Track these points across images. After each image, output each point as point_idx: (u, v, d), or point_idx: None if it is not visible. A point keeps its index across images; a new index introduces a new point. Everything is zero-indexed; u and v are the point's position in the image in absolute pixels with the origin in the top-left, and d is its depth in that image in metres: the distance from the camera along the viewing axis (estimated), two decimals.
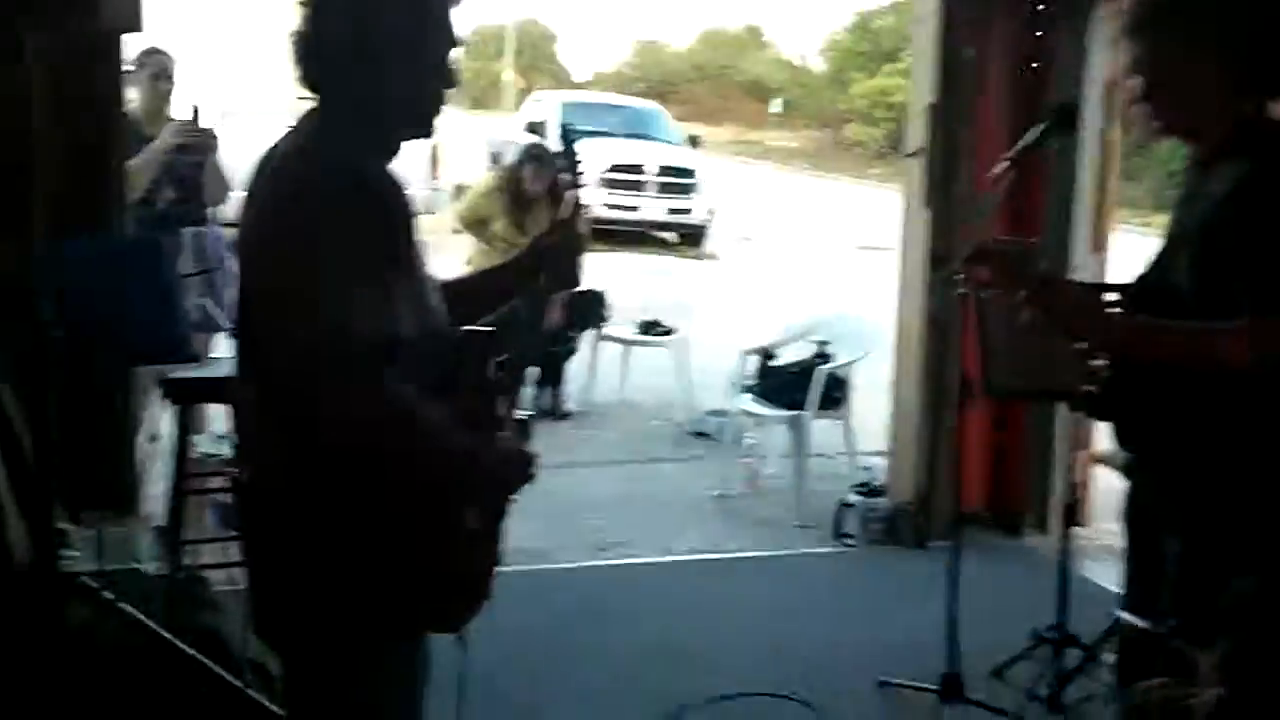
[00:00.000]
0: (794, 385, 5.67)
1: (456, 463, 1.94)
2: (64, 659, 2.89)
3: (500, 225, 6.97)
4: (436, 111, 2.01)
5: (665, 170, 15.38)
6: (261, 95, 11.87)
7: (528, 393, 6.85)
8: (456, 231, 7.63)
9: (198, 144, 4.90)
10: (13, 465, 3.28)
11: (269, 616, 2.04)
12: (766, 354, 5.92)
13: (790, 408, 5.61)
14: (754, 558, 5.01)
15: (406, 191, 1.99)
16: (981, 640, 3.67)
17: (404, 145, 2.02)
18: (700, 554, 5.01)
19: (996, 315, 3.60)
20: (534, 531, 5.07)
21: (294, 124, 1.99)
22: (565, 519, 5.28)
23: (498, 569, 2.07)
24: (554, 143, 14.29)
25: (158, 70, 5.04)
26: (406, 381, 1.87)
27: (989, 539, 5.03)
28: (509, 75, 45.99)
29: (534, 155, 7.19)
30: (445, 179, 13.64)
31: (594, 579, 4.69)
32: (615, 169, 15.02)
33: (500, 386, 2.06)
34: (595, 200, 14.21)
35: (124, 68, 4.36)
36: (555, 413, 7.00)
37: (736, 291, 11.99)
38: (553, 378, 7.06)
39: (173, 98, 5.12)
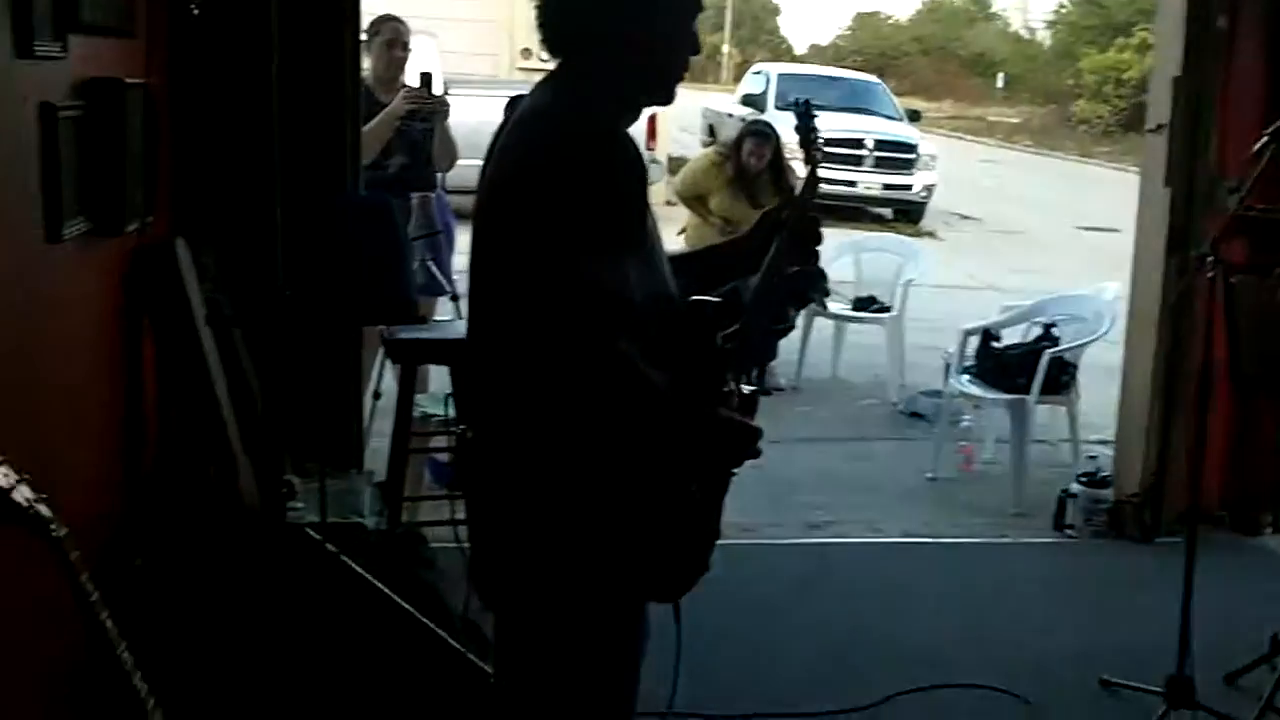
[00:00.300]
0: (1017, 368, 5.47)
1: (682, 432, 1.92)
2: (289, 608, 3.00)
3: (718, 201, 6.93)
4: (679, 78, 2.00)
5: (883, 144, 15.06)
6: (479, 63, 12.15)
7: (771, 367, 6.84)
8: (670, 204, 7.63)
9: (429, 110, 4.99)
10: (244, 414, 3.43)
11: (488, 576, 2.06)
12: (988, 334, 5.72)
13: (1012, 391, 5.41)
14: (969, 544, 4.85)
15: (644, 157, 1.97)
16: (1212, 644, 3.47)
17: (642, 111, 2.02)
18: (913, 538, 4.88)
19: (1248, 299, 3.38)
20: (745, 506, 5.02)
21: (537, 87, 1.99)
22: (777, 495, 5.22)
23: (716, 541, 2.04)
24: (771, 115, 14.29)
25: (392, 37, 5.16)
26: (636, 347, 1.85)
27: (1222, 537, 4.75)
28: (726, 48, 45.90)
29: (755, 130, 7.12)
30: (661, 151, 13.66)
31: (805, 557, 4.62)
32: (832, 143, 14.72)
33: (728, 359, 2.03)
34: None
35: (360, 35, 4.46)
36: (762, 387, 6.93)
37: (954, 269, 11.66)
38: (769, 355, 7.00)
39: (406, 65, 5.24)
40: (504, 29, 14.97)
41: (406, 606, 3.09)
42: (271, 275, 2.95)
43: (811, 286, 7.21)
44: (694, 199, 7.01)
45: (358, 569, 3.08)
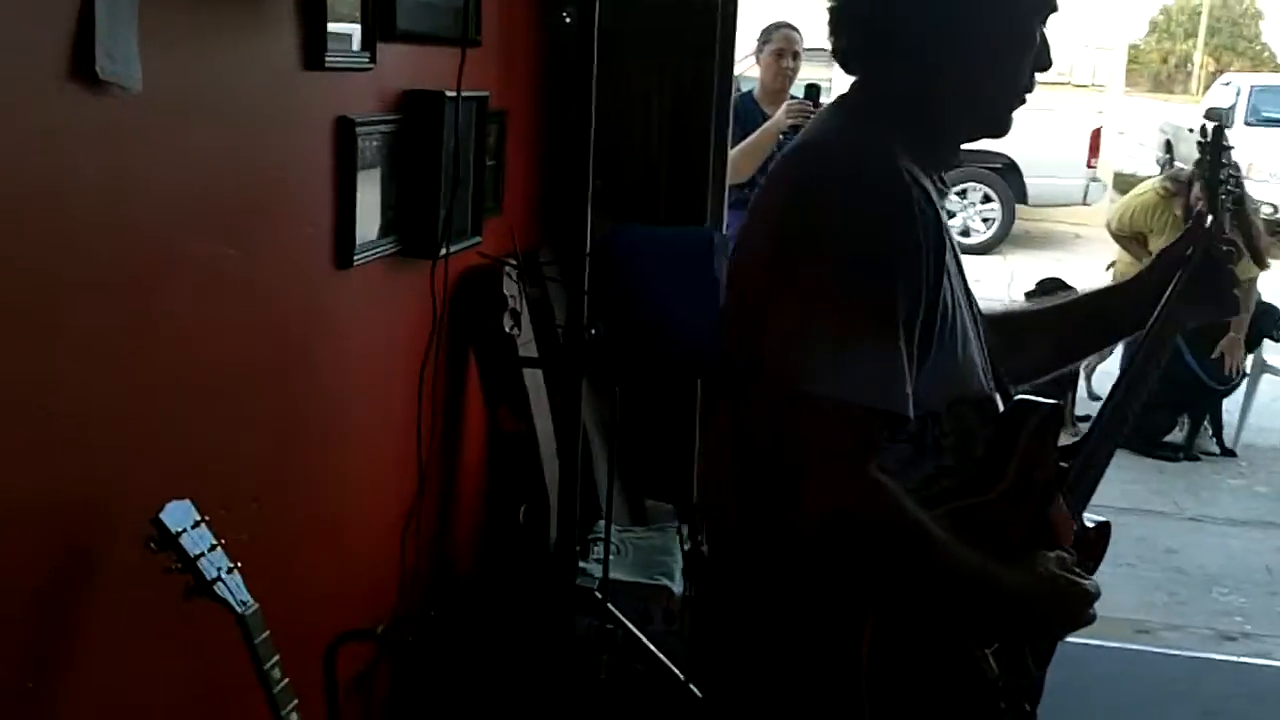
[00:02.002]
0: None
1: (970, 593, 1.40)
2: (568, 668, 2.71)
3: (1159, 244, 6.03)
4: (1004, 115, 1.51)
5: None
6: None
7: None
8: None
9: None
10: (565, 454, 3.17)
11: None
12: None
13: None
14: None
15: (943, 208, 1.48)
16: None
17: (958, 149, 1.54)
18: None
19: None
20: (1144, 598, 4.30)
21: (824, 112, 1.55)
22: (1187, 589, 4.43)
23: None
24: (1239, 133, 12.81)
25: (783, 46, 4.79)
26: (920, 467, 1.40)
27: None
28: (1199, 56, 42.58)
29: (1208, 135, 6.19)
30: (1104, 169, 12.54)
31: (1209, 675, 3.80)
32: None
33: (1059, 481, 1.51)
34: None
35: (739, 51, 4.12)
36: (1189, 453, 6.02)
37: None
38: (1202, 414, 6.07)
39: (796, 76, 4.86)
40: None
41: (680, 676, 2.71)
42: (578, 311, 2.64)
43: (1261, 327, 6.19)
44: (1130, 238, 6.16)
45: (641, 636, 2.74)
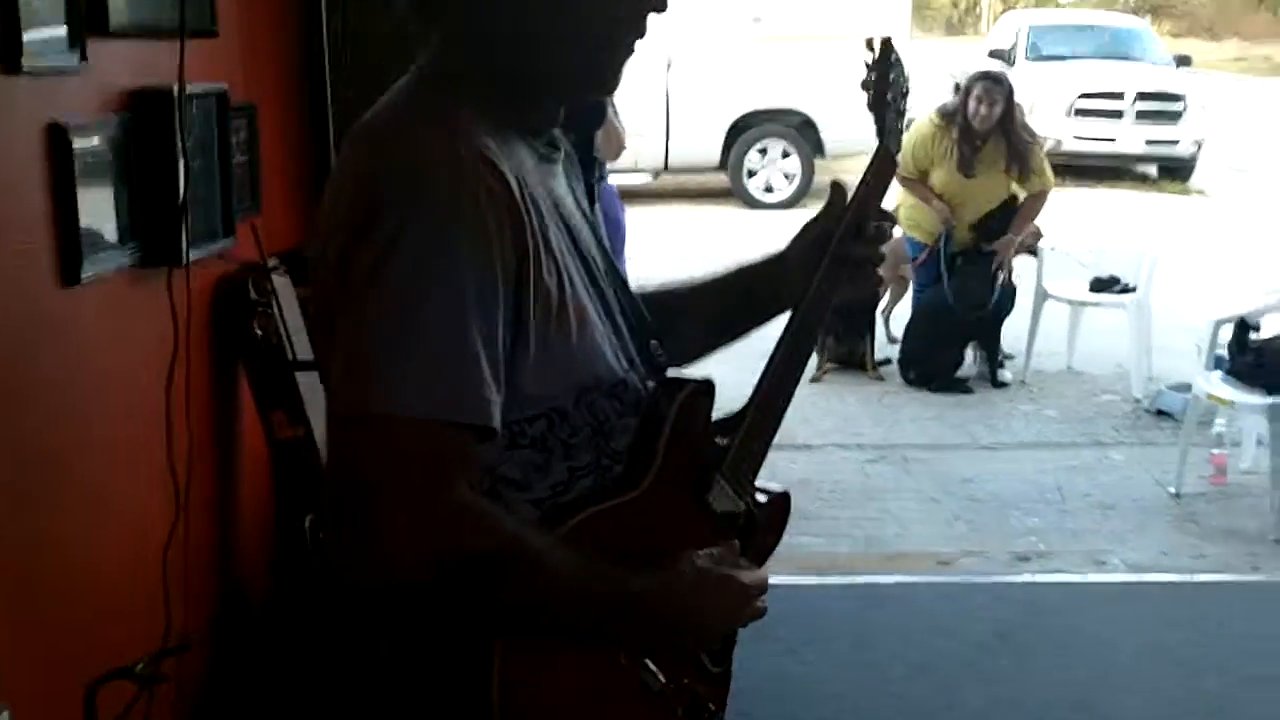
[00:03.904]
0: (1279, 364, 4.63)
1: (591, 607, 1.24)
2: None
3: (941, 176, 6.20)
4: (606, 71, 1.32)
5: (1145, 96, 13.75)
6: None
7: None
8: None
9: None
10: None
11: None
12: (1244, 324, 4.88)
13: (1273, 392, 4.58)
14: (1215, 583, 4.10)
15: (558, 174, 1.34)
16: None
17: (557, 108, 1.36)
18: (1144, 574, 4.15)
19: None
20: (947, 532, 4.44)
21: (397, 84, 1.33)
22: (983, 516, 4.59)
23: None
24: (1021, 70, 13.24)
25: None
26: (549, 472, 1.27)
27: None
28: None
29: (985, 75, 6.37)
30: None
31: (1008, 601, 3.94)
32: (1087, 96, 13.63)
33: (718, 460, 1.36)
34: (1064, 132, 13.01)
35: None
36: (993, 381, 6.23)
37: (1222, 235, 10.49)
38: (986, 340, 6.29)
39: None
40: None
41: None
42: None
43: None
44: (916, 179, 6.28)
45: None
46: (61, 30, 2.32)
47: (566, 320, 1.24)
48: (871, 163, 1.52)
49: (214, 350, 2.97)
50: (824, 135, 11.69)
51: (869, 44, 1.52)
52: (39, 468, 2.24)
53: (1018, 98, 6.34)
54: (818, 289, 1.45)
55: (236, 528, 3.10)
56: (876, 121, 1.52)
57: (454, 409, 1.14)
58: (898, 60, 1.53)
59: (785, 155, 11.78)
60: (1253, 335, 4.85)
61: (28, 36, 2.17)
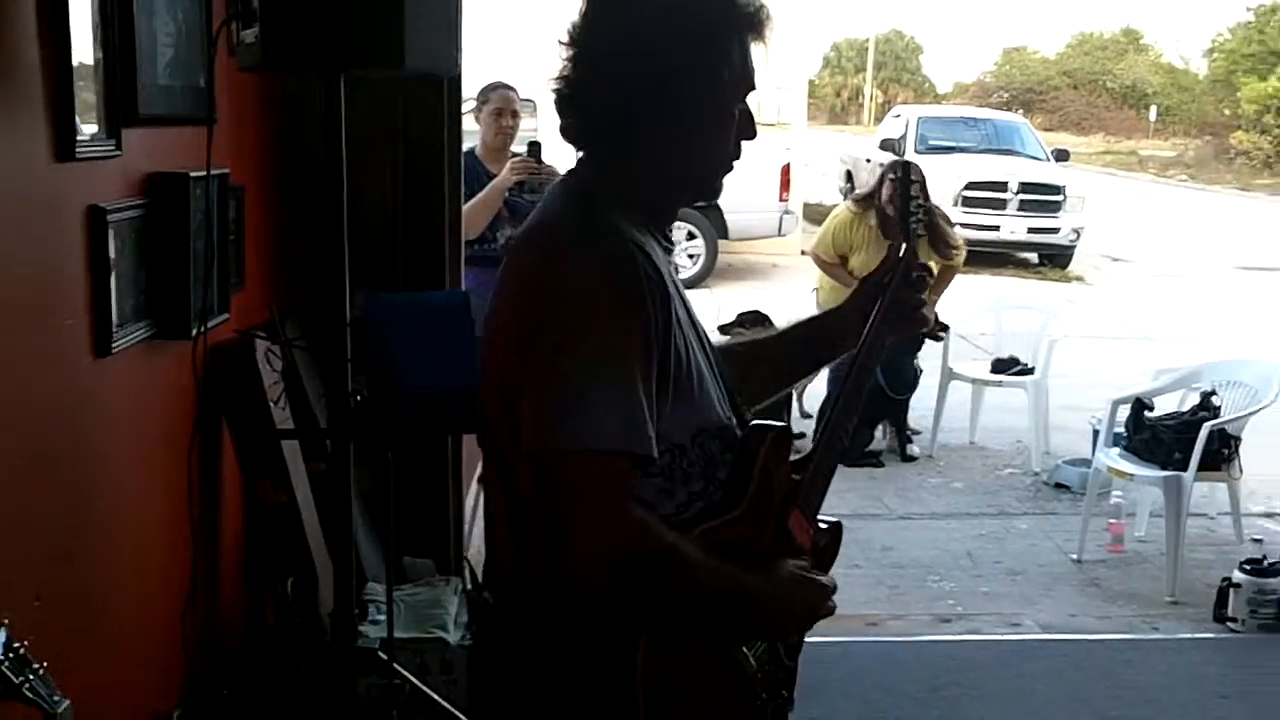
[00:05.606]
0: (1173, 441, 5.01)
1: (726, 603, 1.58)
2: None
3: (860, 259, 6.45)
4: (714, 183, 1.70)
5: (1027, 187, 14.49)
6: None
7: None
8: (805, 254, 7.17)
9: (538, 181, 4.76)
10: (328, 521, 3.25)
11: None
12: (1140, 403, 5.27)
13: (1167, 466, 4.96)
14: (1118, 641, 4.41)
15: (669, 264, 1.66)
16: None
17: (675, 212, 1.76)
18: (1054, 634, 4.46)
19: None
20: (870, 594, 4.71)
21: (553, 190, 1.69)
22: (905, 581, 4.88)
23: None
24: (910, 159, 13.87)
25: (501, 105, 4.98)
26: (673, 496, 1.57)
27: None
28: (869, 89, 45.40)
29: (897, 165, 6.72)
30: (795, 199, 13.36)
31: (934, 659, 4.23)
32: (973, 186, 14.31)
33: (794, 493, 1.69)
34: (952, 219, 13.55)
35: (464, 104, 4.29)
36: (902, 455, 6.57)
37: (1105, 318, 11.10)
38: (896, 417, 6.62)
39: (516, 134, 5.07)
40: None
41: None
42: (341, 380, 2.72)
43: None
44: (835, 262, 6.51)
45: (427, 690, 2.86)
46: (100, 118, 2.51)
47: (691, 375, 1.58)
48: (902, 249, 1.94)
49: (208, 419, 3.11)
50: (728, 219, 12.10)
51: (892, 167, 1.93)
52: (77, 527, 2.37)
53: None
54: (875, 330, 1.85)
55: (222, 590, 3.22)
56: (901, 221, 1.95)
57: (621, 441, 1.45)
58: (919, 178, 1.92)
59: (691, 237, 12.15)
60: (1147, 414, 5.25)
61: (81, 128, 2.37)
